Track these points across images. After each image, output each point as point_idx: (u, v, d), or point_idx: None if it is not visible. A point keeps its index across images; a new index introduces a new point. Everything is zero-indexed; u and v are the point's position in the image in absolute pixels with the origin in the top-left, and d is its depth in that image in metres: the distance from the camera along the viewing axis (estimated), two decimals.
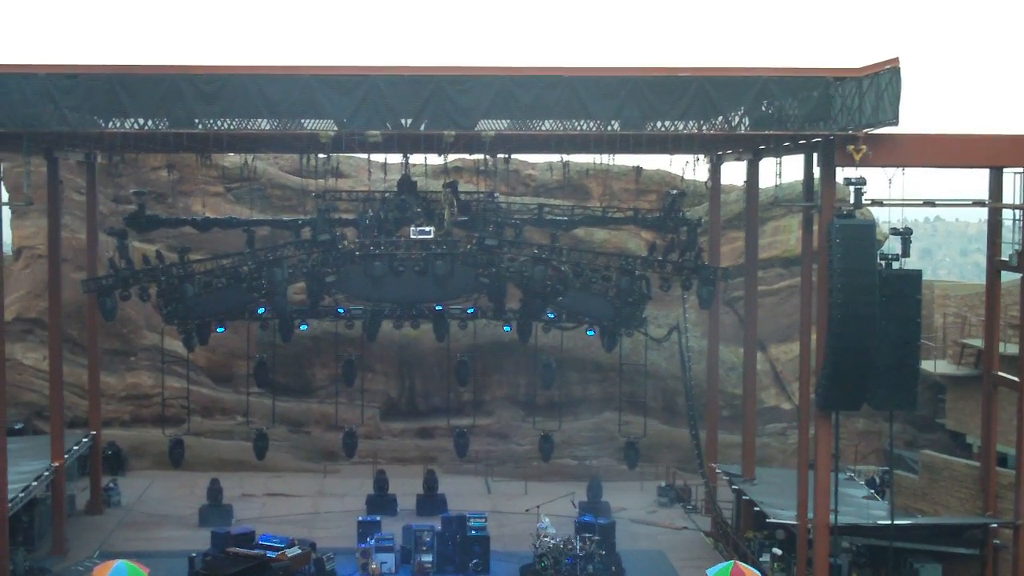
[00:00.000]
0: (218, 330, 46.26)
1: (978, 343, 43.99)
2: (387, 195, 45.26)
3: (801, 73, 35.98)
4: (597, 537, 40.47)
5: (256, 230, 47.12)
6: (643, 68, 35.86)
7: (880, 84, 34.42)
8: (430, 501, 47.41)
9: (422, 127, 35.73)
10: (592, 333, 46.94)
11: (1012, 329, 41.81)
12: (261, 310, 45.85)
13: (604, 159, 39.96)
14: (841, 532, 38.41)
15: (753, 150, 42.85)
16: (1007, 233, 38.91)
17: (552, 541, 39.97)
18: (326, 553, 39.93)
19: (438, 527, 41.66)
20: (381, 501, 47.25)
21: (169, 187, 53.76)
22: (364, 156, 50.42)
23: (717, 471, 46.65)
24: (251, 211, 52.20)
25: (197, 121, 35.31)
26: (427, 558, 40.48)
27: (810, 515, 37.62)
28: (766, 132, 36.34)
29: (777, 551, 40.88)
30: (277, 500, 49.19)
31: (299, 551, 38.72)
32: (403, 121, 35.69)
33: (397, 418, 55.21)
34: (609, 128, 35.70)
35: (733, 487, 44.99)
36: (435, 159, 43.65)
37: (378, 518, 43.24)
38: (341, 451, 49.56)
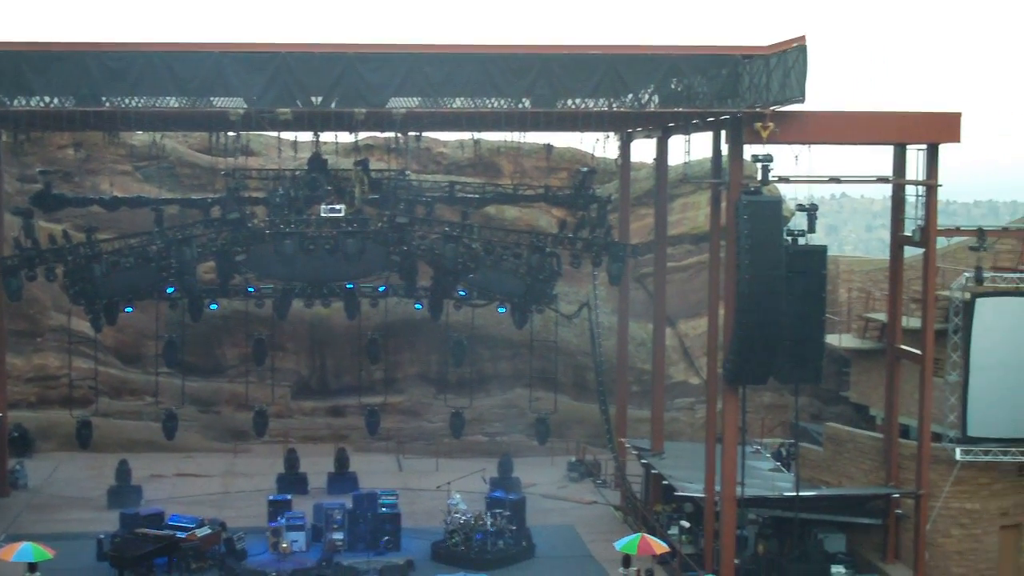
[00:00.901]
0: (126, 310, 45.71)
1: (882, 317, 44.83)
2: (297, 173, 45.04)
3: (709, 51, 36.39)
4: (508, 513, 40.82)
5: (165, 209, 46.70)
6: (553, 46, 36.03)
7: (787, 62, 34.93)
8: (341, 479, 47.39)
9: (332, 105, 35.64)
10: (503, 310, 47.14)
11: (915, 303, 42.61)
12: (170, 289, 45.40)
13: (515, 137, 40.08)
14: (747, 504, 39.01)
15: (662, 127, 43.20)
16: (910, 209, 39.67)
17: (463, 517, 40.23)
18: (236, 533, 39.83)
19: (349, 505, 41.67)
20: (292, 480, 47.14)
21: (76, 166, 53.08)
22: (274, 134, 50.07)
23: (626, 446, 47.13)
24: (160, 190, 51.65)
25: (104, 99, 34.95)
26: (338, 536, 40.48)
27: (717, 488, 38.17)
28: (675, 110, 36.73)
29: (685, 524, 41.43)
30: (187, 480, 48.90)
31: (209, 531, 38.63)
32: (313, 99, 35.57)
33: (308, 397, 55.07)
34: (520, 106, 35.83)
35: (642, 461, 45.48)
36: (346, 137, 43.50)
37: (289, 497, 43.15)
38: (251, 430, 49.25)
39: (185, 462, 50.98)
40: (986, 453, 39.29)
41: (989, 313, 38.98)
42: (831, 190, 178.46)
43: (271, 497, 43.02)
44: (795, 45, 34.78)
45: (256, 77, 34.85)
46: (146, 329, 51.08)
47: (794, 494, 39.14)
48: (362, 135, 44.34)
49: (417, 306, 48.99)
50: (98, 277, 43.01)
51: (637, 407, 50.44)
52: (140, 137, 52.08)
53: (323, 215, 42.57)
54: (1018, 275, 40.47)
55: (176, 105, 35.51)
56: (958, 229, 42.08)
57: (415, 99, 35.87)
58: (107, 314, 44.67)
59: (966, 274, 39.30)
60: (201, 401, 53.52)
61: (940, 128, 37.55)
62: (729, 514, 37.44)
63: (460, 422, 48.97)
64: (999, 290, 39.71)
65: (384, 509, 41.33)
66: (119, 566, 37.33)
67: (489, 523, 39.92)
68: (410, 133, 41.29)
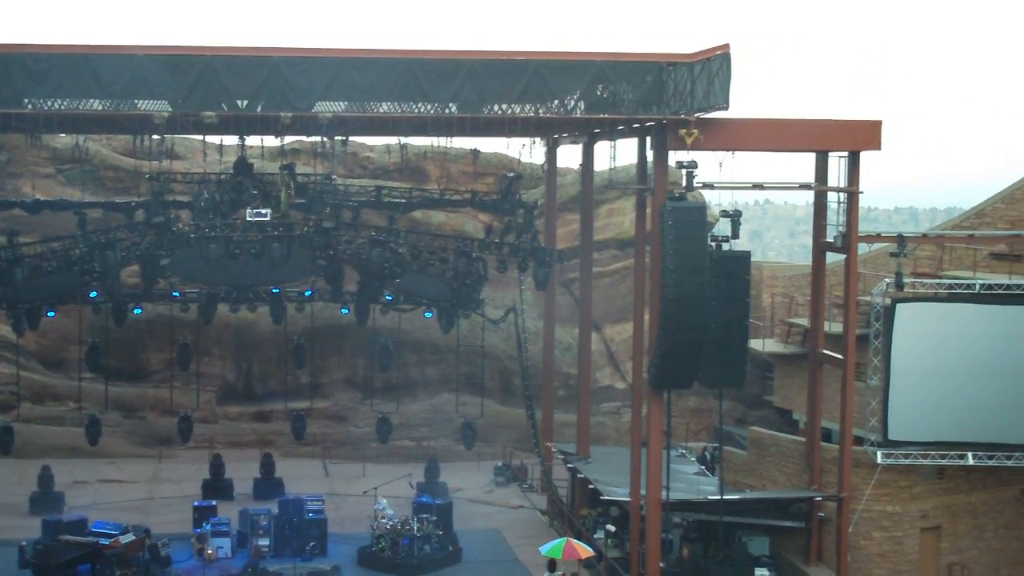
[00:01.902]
0: (48, 314, 45.15)
1: (804, 322, 45.31)
2: (223, 177, 44.78)
3: (635, 58, 36.63)
4: (434, 517, 40.81)
5: (88, 212, 46.28)
6: (480, 52, 36.11)
7: (711, 69, 35.23)
8: (267, 485, 47.14)
9: (258, 109, 35.51)
10: (430, 315, 47.12)
11: (836, 308, 43.10)
12: (93, 294, 44.91)
13: (442, 142, 40.15)
14: (672, 508, 39.30)
15: (588, 133, 43.45)
16: (832, 215, 40.16)
17: (390, 522, 40.18)
18: (161, 539, 39.46)
19: (275, 511, 41.50)
20: (217, 486, 46.82)
21: None
22: (199, 138, 49.80)
23: (553, 450, 47.29)
24: (83, 193, 51.13)
25: (27, 101, 34.60)
26: (264, 542, 40.28)
27: (643, 492, 38.41)
28: (601, 116, 36.94)
29: (611, 528, 41.63)
30: (111, 486, 48.44)
31: (133, 538, 38.25)
32: (239, 102, 35.40)
33: (234, 402, 54.73)
34: (446, 111, 35.91)
35: (568, 466, 45.68)
36: (272, 141, 43.33)
37: (214, 503, 42.88)
38: (176, 436, 48.88)
39: (109, 468, 50.47)
40: (906, 456, 39.90)
41: (909, 318, 39.61)
42: (755, 196, 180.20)
43: (196, 503, 42.71)
44: (719, 53, 35.10)
45: (181, 80, 34.65)
46: (69, 334, 50.56)
47: (718, 498, 39.45)
48: (288, 139, 44.23)
49: (343, 311, 48.87)
50: (20, 281, 42.43)
51: (563, 411, 50.60)
52: (63, 140, 51.58)
53: (249, 219, 42.40)
54: (937, 281, 41.16)
55: (100, 108, 35.22)
56: (879, 235, 42.66)
57: (341, 103, 35.84)
58: (29, 318, 44.09)
59: (887, 280, 39.88)
60: (125, 406, 53.01)
61: (861, 136, 38.08)
62: (654, 518, 37.68)
63: (387, 427, 48.87)
64: (919, 296, 40.36)
65: (310, 514, 41.19)
66: (42, 573, 36.94)
67: (416, 528, 39.90)
68: (336, 137, 41.19)
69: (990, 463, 40.26)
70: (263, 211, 42.24)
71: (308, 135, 42.35)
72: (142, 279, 46.31)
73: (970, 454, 40.03)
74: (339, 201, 46.00)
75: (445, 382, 53.34)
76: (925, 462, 40.06)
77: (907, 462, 39.95)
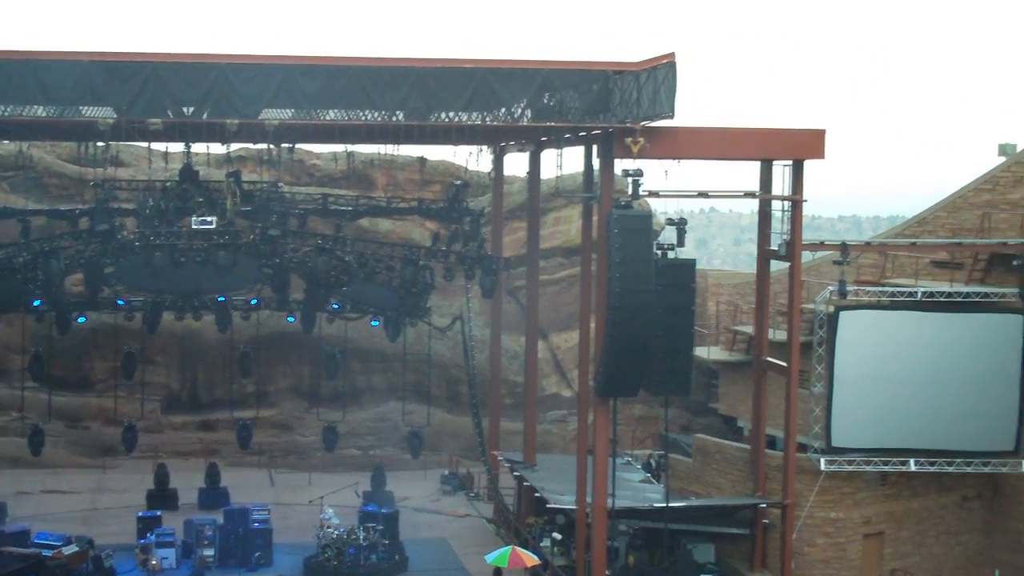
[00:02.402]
0: None
1: (749, 330, 45.63)
2: (168, 184, 44.51)
3: (581, 67, 36.77)
4: (381, 526, 40.73)
5: (31, 220, 45.87)
6: (427, 59, 36.08)
7: (657, 78, 35.43)
8: (212, 495, 46.89)
9: (204, 116, 35.32)
10: (376, 323, 47.05)
11: (781, 316, 43.44)
12: (36, 302, 44.36)
13: (389, 149, 40.11)
14: (618, 516, 39.40)
15: (535, 141, 43.56)
16: (777, 223, 40.48)
17: (336, 532, 40.05)
18: (104, 550, 39.15)
19: (220, 521, 41.27)
20: (162, 496, 46.49)
21: None
22: (145, 144, 49.55)
23: (499, 458, 47.33)
24: (26, 200, 50.73)
25: None
26: (209, 552, 40.04)
27: (589, 500, 38.51)
28: (547, 124, 37.02)
29: (557, 536, 41.71)
30: (54, 497, 47.99)
31: (76, 549, 37.90)
32: (185, 109, 35.23)
33: (179, 411, 54.39)
34: (393, 119, 35.87)
35: (514, 474, 45.73)
36: (218, 148, 43.17)
37: (159, 513, 42.59)
38: (120, 446, 48.46)
39: (52, 478, 50.00)
40: (849, 463, 40.26)
41: (852, 326, 39.99)
42: (700, 204, 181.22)
43: (140, 513, 42.43)
44: (665, 62, 35.31)
45: (126, 87, 34.41)
46: (11, 342, 50.08)
47: (664, 505, 39.63)
48: (234, 146, 44.00)
49: (290, 319, 48.68)
50: None
51: (510, 420, 50.66)
52: (6, 147, 51.08)
53: (194, 227, 42.07)
54: (880, 289, 41.56)
55: (44, 114, 34.92)
56: (823, 243, 43.07)
57: (288, 111, 35.71)
58: None
59: (830, 288, 40.23)
60: (69, 416, 52.57)
61: (805, 145, 38.41)
62: (600, 526, 37.77)
63: (333, 436, 48.71)
64: (862, 303, 40.75)
65: (256, 524, 41.01)
66: None
67: (362, 537, 39.81)
68: (283, 145, 41.08)
69: (932, 469, 40.70)
70: (209, 219, 41.96)
71: (254, 142, 42.28)
72: (86, 287, 45.93)
73: (912, 460, 40.44)
74: (285, 209, 45.87)
75: (392, 390, 53.26)
76: (868, 468, 40.43)
77: (850, 469, 40.30)
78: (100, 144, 40.69)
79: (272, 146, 41.03)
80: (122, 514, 45.11)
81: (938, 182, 48.47)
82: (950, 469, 40.75)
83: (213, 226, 41.97)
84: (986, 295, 40.59)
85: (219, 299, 46.49)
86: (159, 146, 42.55)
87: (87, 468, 51.96)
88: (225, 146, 41.40)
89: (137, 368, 48.72)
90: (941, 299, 40.43)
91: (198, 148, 42.53)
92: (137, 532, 40.98)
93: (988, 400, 40.45)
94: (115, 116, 34.81)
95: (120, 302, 46.72)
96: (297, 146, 44.39)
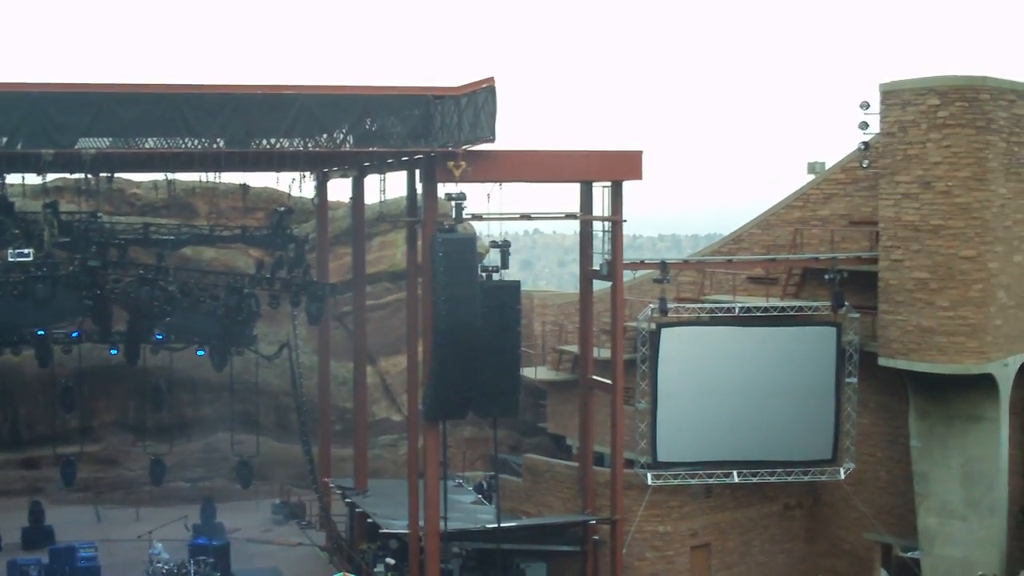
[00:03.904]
0: None
1: (574, 349, 46.21)
2: None
3: (402, 92, 36.99)
4: (212, 559, 40.35)
5: None
6: (246, 85, 35.86)
7: (477, 103, 35.80)
8: (36, 534, 45.78)
9: (18, 146, 34.56)
10: (202, 353, 46.53)
11: (605, 335, 44.10)
12: None
13: (210, 177, 39.79)
14: (451, 538, 39.54)
15: (358, 167, 43.62)
16: (598, 244, 41.15)
17: (165, 567, 39.55)
18: None
19: (45, 560, 40.41)
20: None
21: None
22: None
23: (330, 485, 47.14)
24: None
25: None
26: None
27: (421, 523, 38.61)
28: (370, 149, 37.17)
29: (391, 560, 41.64)
30: None
31: None
32: None
33: None
34: (214, 146, 35.60)
35: (346, 500, 45.58)
36: (34, 179, 42.25)
37: None
38: None
39: None
40: (675, 477, 41.03)
41: (673, 342, 40.79)
42: (525, 226, 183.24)
43: None
44: (484, 86, 35.72)
45: None
46: None
47: (495, 526, 39.89)
48: (51, 176, 43.18)
49: (113, 351, 47.86)
50: None
51: (341, 446, 50.46)
52: None
53: (10, 259, 41.13)
54: (699, 305, 42.54)
55: None
56: (642, 263, 43.90)
57: (106, 139, 35.13)
58: None
59: (651, 305, 41.02)
60: None
61: (623, 166, 39.15)
62: (433, 549, 37.89)
63: (160, 469, 48.04)
64: (682, 320, 41.64)
65: (83, 563, 40.33)
66: None
67: (193, 571, 39.37)
68: (101, 174, 40.44)
69: (755, 480, 41.72)
70: (26, 251, 40.98)
71: (71, 172, 41.53)
72: None
73: (736, 472, 41.41)
74: (105, 239, 45.12)
75: (220, 420, 52.61)
76: (693, 482, 41.27)
77: (676, 482, 41.09)
78: None
79: (90, 176, 40.45)
80: None
81: (753, 201, 49.70)
82: (772, 479, 41.83)
83: (30, 258, 40.98)
84: (800, 309, 41.81)
85: (38, 333, 45.50)
86: None
87: None
88: (41, 176, 40.63)
89: None
90: (758, 314, 41.53)
91: (13, 179, 41.58)
92: None
93: (806, 411, 41.59)
94: None
95: None
96: (116, 175, 43.80)
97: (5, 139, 34.42)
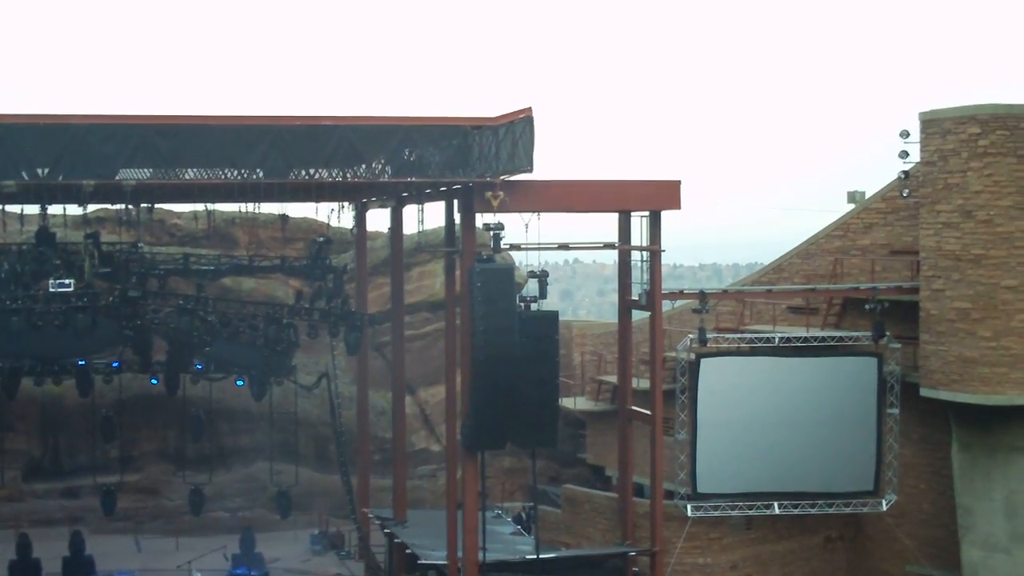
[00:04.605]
0: None
1: (613, 379, 46.05)
2: (24, 247, 43.76)
3: (440, 122, 37.02)
4: None
5: None
6: (285, 117, 36.05)
7: (515, 133, 35.83)
8: (77, 563, 45.73)
9: (60, 177, 34.85)
10: (241, 383, 46.65)
11: (644, 365, 43.94)
12: None
13: (250, 207, 39.98)
14: (490, 569, 39.29)
15: (396, 197, 43.70)
16: (637, 273, 41.04)
17: None
18: None
19: None
20: (24, 567, 45.24)
21: None
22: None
23: (369, 516, 47.07)
24: None
25: None
26: None
27: (460, 554, 38.47)
28: (408, 179, 37.20)
29: None
30: None
31: None
32: (39, 171, 34.72)
33: (40, 479, 53.10)
34: (253, 176, 35.75)
35: (385, 531, 45.48)
36: (75, 209, 42.61)
37: None
38: None
39: None
40: (715, 508, 40.75)
41: (713, 372, 40.58)
42: (565, 256, 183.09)
43: None
44: (522, 116, 35.76)
45: None
46: None
47: (534, 557, 39.69)
48: (93, 207, 43.51)
49: (153, 381, 48.05)
50: None
51: (380, 476, 50.44)
52: None
53: (51, 290, 41.41)
54: (739, 335, 42.32)
55: None
56: (682, 292, 43.65)
57: (146, 170, 35.38)
58: None
59: (690, 335, 40.84)
60: None
61: (661, 196, 39.03)
62: None
63: (200, 499, 48.10)
64: (721, 350, 41.41)
65: None
66: None
67: None
68: (142, 205, 40.71)
69: (795, 512, 41.39)
70: (66, 281, 41.29)
71: (112, 203, 41.80)
72: None
73: (776, 503, 41.10)
74: (145, 269, 45.34)
75: (259, 450, 52.66)
76: (733, 513, 40.98)
77: (716, 514, 40.82)
78: None
79: (130, 206, 40.74)
80: None
81: (794, 230, 49.55)
82: (813, 511, 41.48)
83: (71, 289, 41.30)
84: (841, 339, 41.55)
85: (79, 363, 45.73)
86: (14, 208, 41.89)
87: None
88: (82, 207, 40.97)
89: None
90: (798, 344, 41.28)
91: (55, 210, 41.96)
92: None
93: (847, 441, 41.28)
94: None
95: None
96: (157, 206, 44.13)
97: (47, 170, 34.69)
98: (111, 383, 47.68)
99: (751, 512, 41.07)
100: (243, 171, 35.58)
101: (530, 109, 35.93)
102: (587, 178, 39.28)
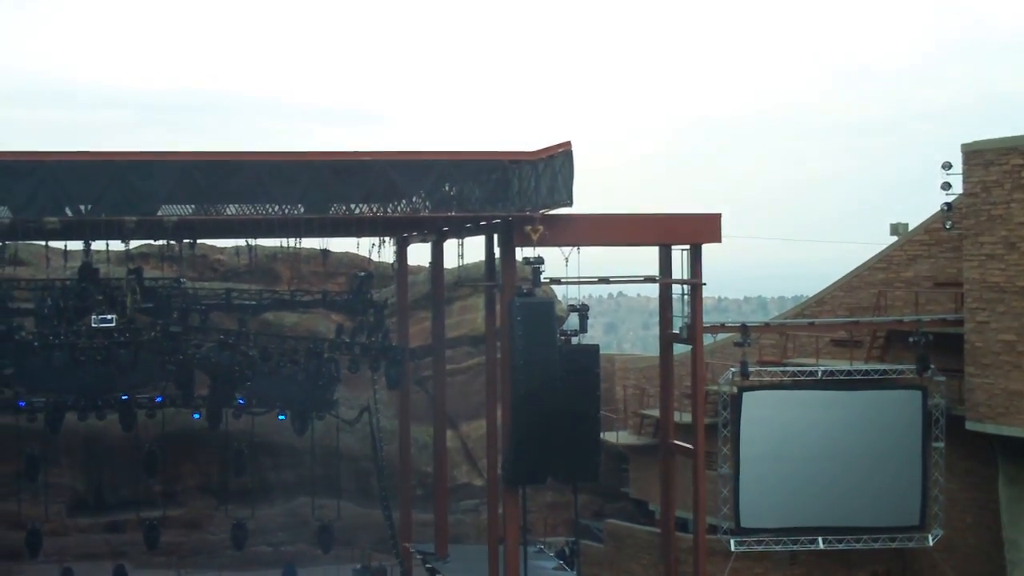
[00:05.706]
0: None
1: (656, 413, 45.82)
2: (67, 283, 44.08)
3: (479, 157, 37.04)
4: None
5: None
6: (324, 152, 36.26)
7: (554, 167, 35.84)
8: None
9: (102, 214, 35.12)
10: (283, 417, 46.73)
11: (686, 398, 43.71)
12: None
13: (291, 242, 40.12)
14: None
15: (436, 231, 43.74)
16: (679, 307, 40.85)
17: None
18: None
19: None
20: None
21: None
22: (43, 243, 49.19)
23: (411, 551, 46.94)
24: None
25: None
26: None
27: None
28: (448, 214, 37.22)
29: None
30: None
31: None
32: (82, 207, 35.00)
33: (84, 513, 53.31)
34: (294, 212, 35.88)
35: (427, 566, 45.33)
36: (118, 245, 42.91)
37: None
38: (25, 550, 47.48)
39: None
40: (759, 543, 40.45)
41: (755, 406, 40.37)
42: (608, 289, 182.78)
43: None
44: (561, 151, 35.78)
45: (20, 185, 34.11)
46: None
47: None
48: (136, 243, 43.79)
49: (195, 415, 48.18)
50: None
51: (422, 511, 50.32)
52: None
53: (94, 325, 41.69)
54: (782, 369, 42.04)
55: None
56: (723, 325, 43.48)
57: (188, 207, 35.59)
58: None
59: (732, 369, 40.61)
60: None
61: (702, 229, 38.85)
62: None
63: (243, 533, 48.13)
64: (764, 384, 41.17)
65: None
66: None
67: None
68: (184, 240, 40.94)
69: (840, 547, 40.99)
70: (108, 317, 41.58)
71: (155, 239, 42.04)
72: None
73: (820, 539, 40.75)
74: (187, 305, 45.59)
75: (301, 485, 52.65)
76: (777, 548, 40.65)
77: (760, 549, 40.51)
78: None
79: (172, 242, 40.99)
80: None
81: (836, 262, 49.22)
82: (858, 546, 41.09)
83: (113, 324, 41.58)
84: (885, 372, 41.21)
85: (122, 397, 45.90)
86: (58, 244, 42.22)
87: None
88: (125, 243, 41.26)
89: (40, 470, 47.84)
90: (841, 377, 40.97)
91: (98, 245, 42.30)
92: None
93: (892, 475, 40.94)
94: (11, 215, 34.52)
95: (21, 403, 45.85)
96: (199, 241, 44.37)
97: (89, 207, 34.96)
98: (154, 417, 47.82)
99: (795, 547, 40.74)
100: (283, 206, 35.71)
101: (569, 143, 35.94)
102: (626, 211, 39.19)
